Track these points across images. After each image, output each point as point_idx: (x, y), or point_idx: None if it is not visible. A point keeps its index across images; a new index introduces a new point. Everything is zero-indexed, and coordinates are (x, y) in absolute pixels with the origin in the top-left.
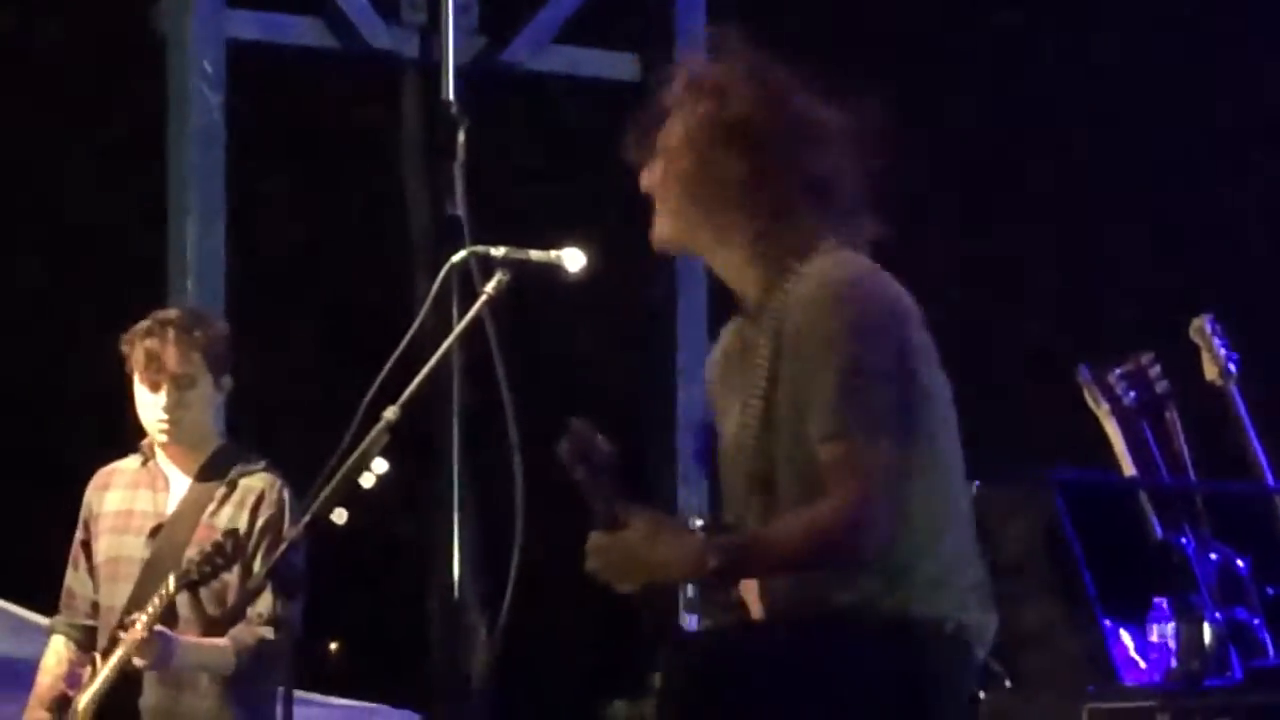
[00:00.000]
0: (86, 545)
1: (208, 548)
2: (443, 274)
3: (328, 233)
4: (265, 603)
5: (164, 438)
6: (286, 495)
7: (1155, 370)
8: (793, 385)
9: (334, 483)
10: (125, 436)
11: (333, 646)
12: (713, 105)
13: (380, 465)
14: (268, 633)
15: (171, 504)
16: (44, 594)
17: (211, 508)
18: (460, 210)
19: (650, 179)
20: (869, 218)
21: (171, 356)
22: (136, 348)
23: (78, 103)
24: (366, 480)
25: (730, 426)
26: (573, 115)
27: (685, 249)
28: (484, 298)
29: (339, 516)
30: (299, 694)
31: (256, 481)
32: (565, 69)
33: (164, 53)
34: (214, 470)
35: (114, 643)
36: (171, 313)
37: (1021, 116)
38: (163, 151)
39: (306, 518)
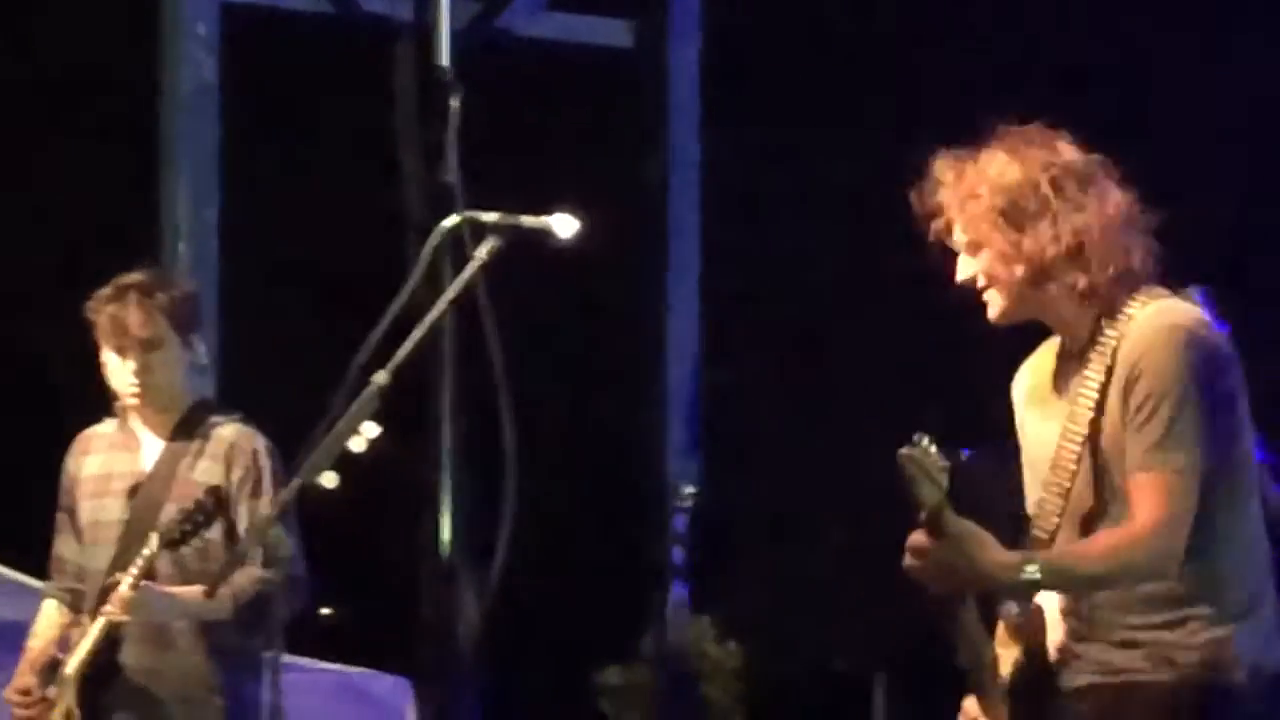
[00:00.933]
0: (70, 511)
1: (188, 505)
2: (434, 239)
3: (321, 198)
4: (268, 549)
5: (134, 401)
6: (261, 445)
7: None
8: (1121, 411)
9: (323, 447)
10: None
11: (324, 612)
12: (994, 196)
13: (371, 429)
14: (267, 578)
15: (148, 464)
16: (41, 559)
17: (187, 462)
18: (453, 176)
19: (969, 270)
20: (1148, 251)
21: (135, 321)
22: (101, 314)
23: (69, 67)
24: (357, 444)
25: (1045, 440)
26: (568, 81)
27: (1023, 318)
28: (475, 263)
29: (329, 481)
30: (288, 659)
31: (229, 433)
32: (558, 35)
33: (158, 15)
34: (188, 427)
35: (100, 605)
36: (133, 277)
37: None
38: (156, 115)
39: (296, 481)
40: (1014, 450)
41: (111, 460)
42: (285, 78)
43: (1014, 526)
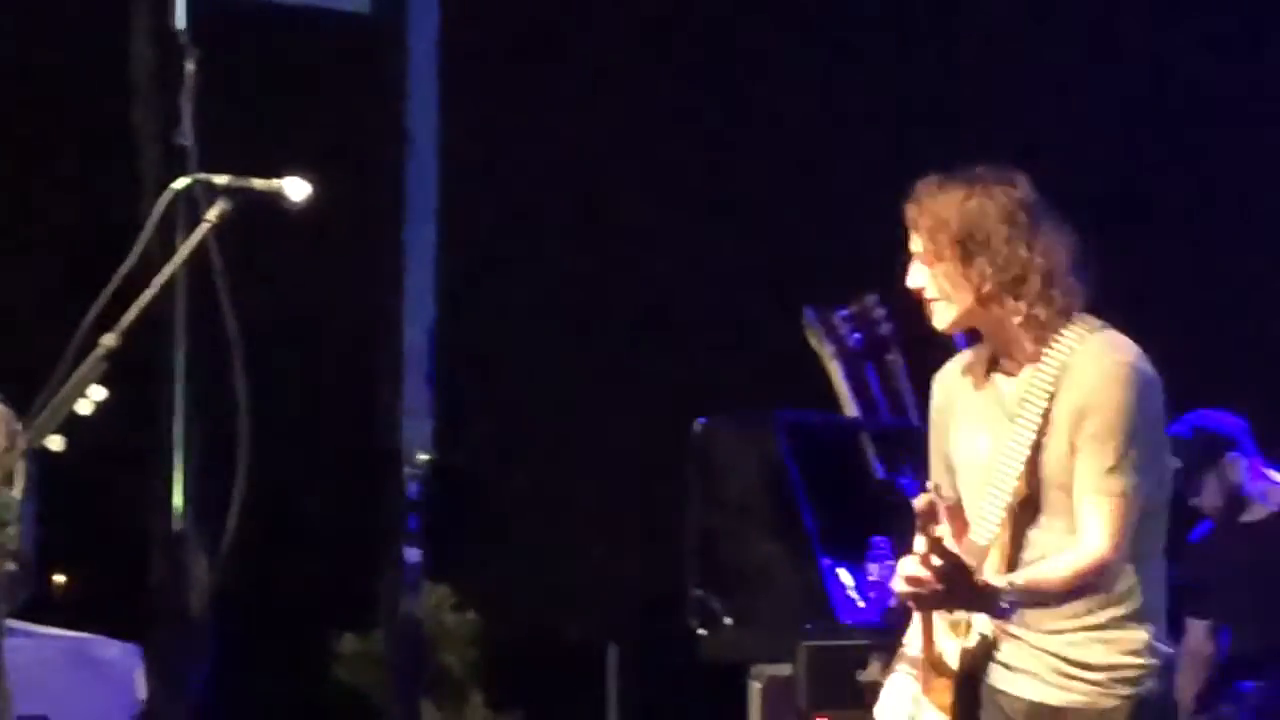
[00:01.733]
0: None
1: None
2: (164, 201)
3: (58, 160)
4: (12, 538)
5: None
6: (18, 428)
7: (879, 312)
8: (1069, 432)
9: (50, 409)
10: None
11: (57, 579)
12: (954, 225)
13: (99, 392)
14: (8, 567)
15: None
16: None
17: None
18: (188, 140)
19: (921, 280)
20: (1085, 283)
21: None
22: None
23: None
24: (84, 407)
25: (979, 449)
26: (303, 46)
27: (960, 329)
28: (206, 225)
29: (56, 444)
30: (12, 624)
31: None
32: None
33: None
34: None
35: None
36: None
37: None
38: None
39: (23, 445)
40: (752, 415)
41: None
42: (23, 41)
43: None
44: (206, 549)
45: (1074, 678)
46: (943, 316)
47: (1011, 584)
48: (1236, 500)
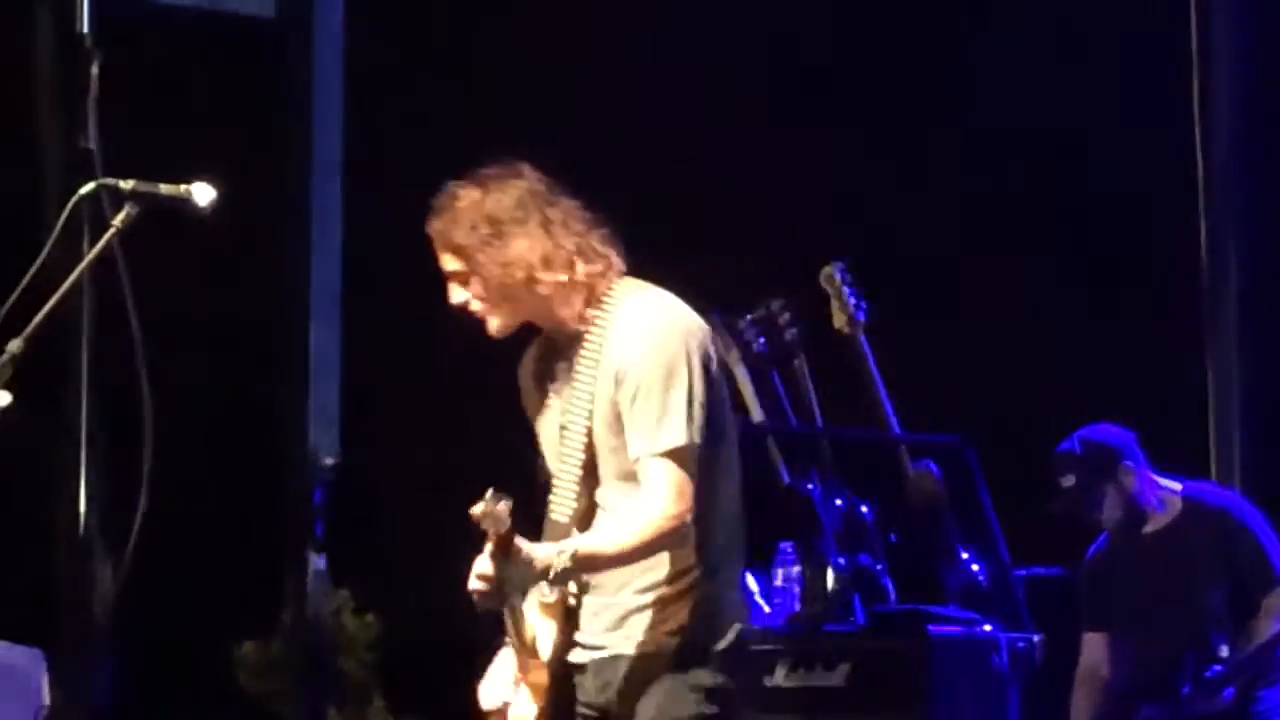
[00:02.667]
0: None
1: None
2: (70, 205)
3: None
4: None
5: None
6: None
7: (785, 317)
8: (612, 390)
9: None
10: None
11: None
12: (485, 230)
13: (2, 398)
14: None
15: None
16: None
17: None
18: (93, 144)
19: (461, 297)
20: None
21: None
22: None
23: None
24: None
25: (548, 425)
26: (208, 50)
27: (519, 324)
28: (112, 230)
29: None
30: None
31: None
32: (201, 3)
33: None
34: None
35: None
36: None
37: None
38: None
39: None
40: None
41: None
42: None
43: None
44: (111, 554)
45: (628, 627)
46: (494, 324)
47: (562, 552)
48: (1137, 511)
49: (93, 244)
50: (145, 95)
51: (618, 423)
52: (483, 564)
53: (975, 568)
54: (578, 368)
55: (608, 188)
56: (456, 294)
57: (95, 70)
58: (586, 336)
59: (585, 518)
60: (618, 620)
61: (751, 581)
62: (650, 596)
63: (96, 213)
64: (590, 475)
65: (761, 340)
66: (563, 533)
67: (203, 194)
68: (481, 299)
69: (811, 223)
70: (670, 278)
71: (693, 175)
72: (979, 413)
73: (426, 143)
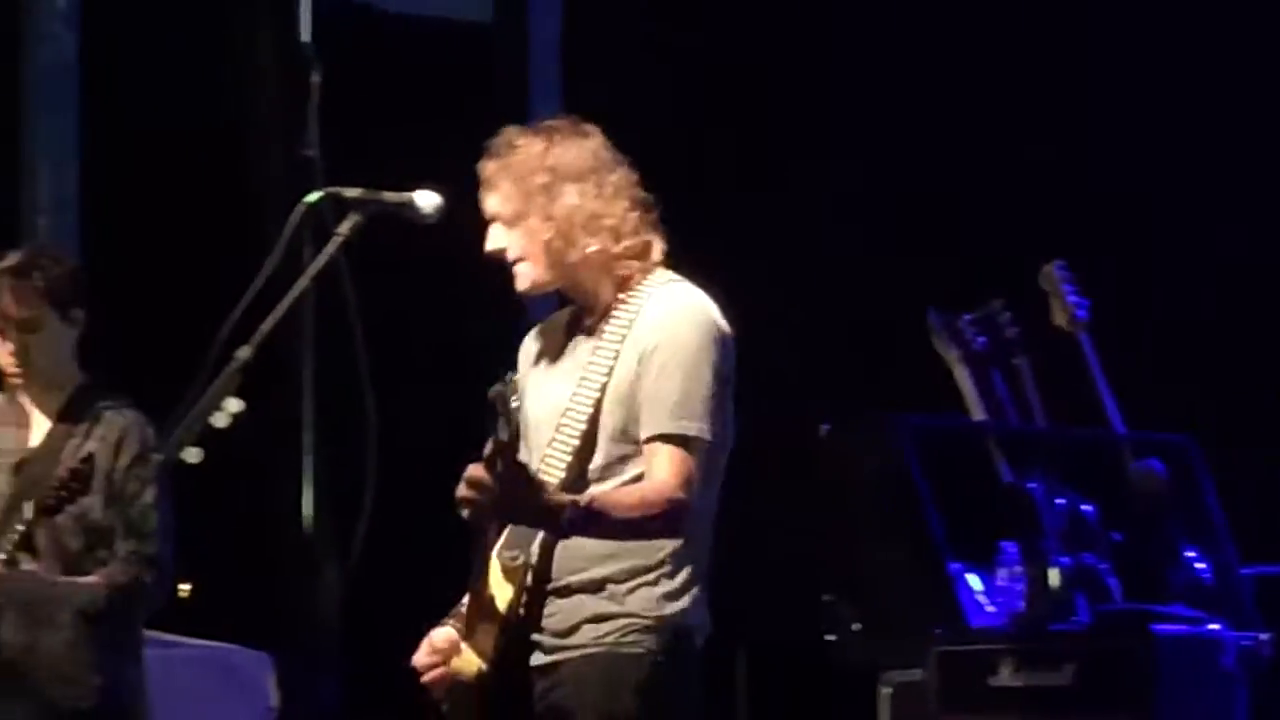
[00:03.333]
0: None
1: (63, 474)
2: (296, 215)
3: (179, 174)
4: (145, 542)
5: (18, 381)
6: (150, 435)
7: (1005, 316)
8: (635, 368)
9: (187, 422)
10: None
11: (184, 587)
12: (540, 178)
13: (234, 405)
14: (141, 572)
15: (35, 440)
16: None
17: (75, 443)
18: (314, 152)
19: (501, 242)
20: (661, 237)
21: (9, 303)
22: None
23: None
24: (220, 420)
25: (552, 400)
26: (426, 56)
27: (547, 289)
28: (337, 239)
29: (193, 456)
30: (150, 635)
31: (120, 418)
32: (420, 10)
33: None
34: (77, 408)
35: None
36: (10, 258)
37: (864, 57)
38: (15, 91)
39: (160, 458)
40: (877, 420)
41: (0, 436)
42: (143, 52)
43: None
44: (337, 558)
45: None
46: (526, 276)
47: (576, 503)
48: None
49: (314, 252)
50: (365, 102)
51: (632, 400)
52: (477, 470)
53: (1200, 566)
54: (599, 342)
55: (826, 185)
56: (494, 239)
57: (316, 78)
58: (614, 314)
59: (570, 490)
60: (580, 621)
61: (975, 581)
62: (613, 594)
63: (318, 220)
64: (586, 450)
65: (982, 339)
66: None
67: (426, 201)
68: (519, 249)
69: (1032, 221)
70: (891, 276)
71: (915, 174)
72: (1204, 411)
73: (643, 146)
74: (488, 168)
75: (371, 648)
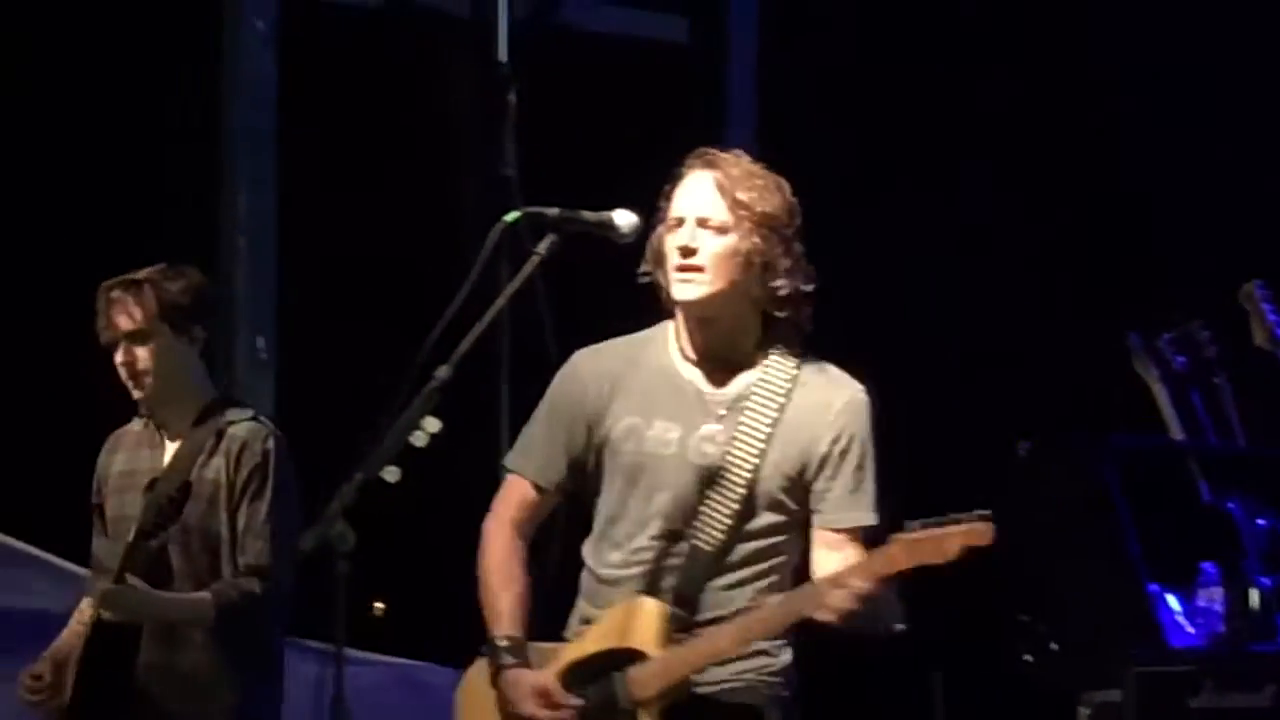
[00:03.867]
0: (99, 508)
1: (161, 499)
2: (494, 234)
3: (379, 192)
4: (256, 553)
5: (136, 394)
6: (272, 445)
7: (1204, 336)
8: (815, 462)
9: (386, 441)
10: None
11: (378, 606)
12: (771, 212)
13: (432, 424)
14: (250, 584)
15: (166, 460)
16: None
17: (201, 459)
18: (511, 170)
19: (697, 241)
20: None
21: (122, 316)
22: (99, 304)
23: (127, 62)
24: (418, 439)
25: (668, 441)
26: (624, 76)
27: (705, 310)
28: (535, 258)
29: (391, 475)
30: (351, 652)
31: (241, 431)
32: (616, 29)
33: (218, 11)
34: (204, 423)
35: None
36: (137, 272)
37: (1062, 81)
38: (215, 111)
39: (359, 476)
40: (1077, 439)
41: (136, 457)
42: (343, 72)
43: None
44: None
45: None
46: (699, 292)
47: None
48: None
49: (511, 270)
50: (562, 122)
51: (800, 477)
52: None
53: None
54: (749, 406)
55: (1025, 205)
56: (700, 240)
57: (513, 98)
58: (769, 371)
59: (722, 549)
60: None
61: (1174, 601)
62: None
63: (513, 238)
64: (747, 512)
65: (1181, 359)
66: (706, 559)
67: (624, 220)
68: (714, 262)
69: (1233, 239)
70: (1091, 297)
71: (1115, 193)
72: None
73: (838, 168)
74: (724, 172)
75: None
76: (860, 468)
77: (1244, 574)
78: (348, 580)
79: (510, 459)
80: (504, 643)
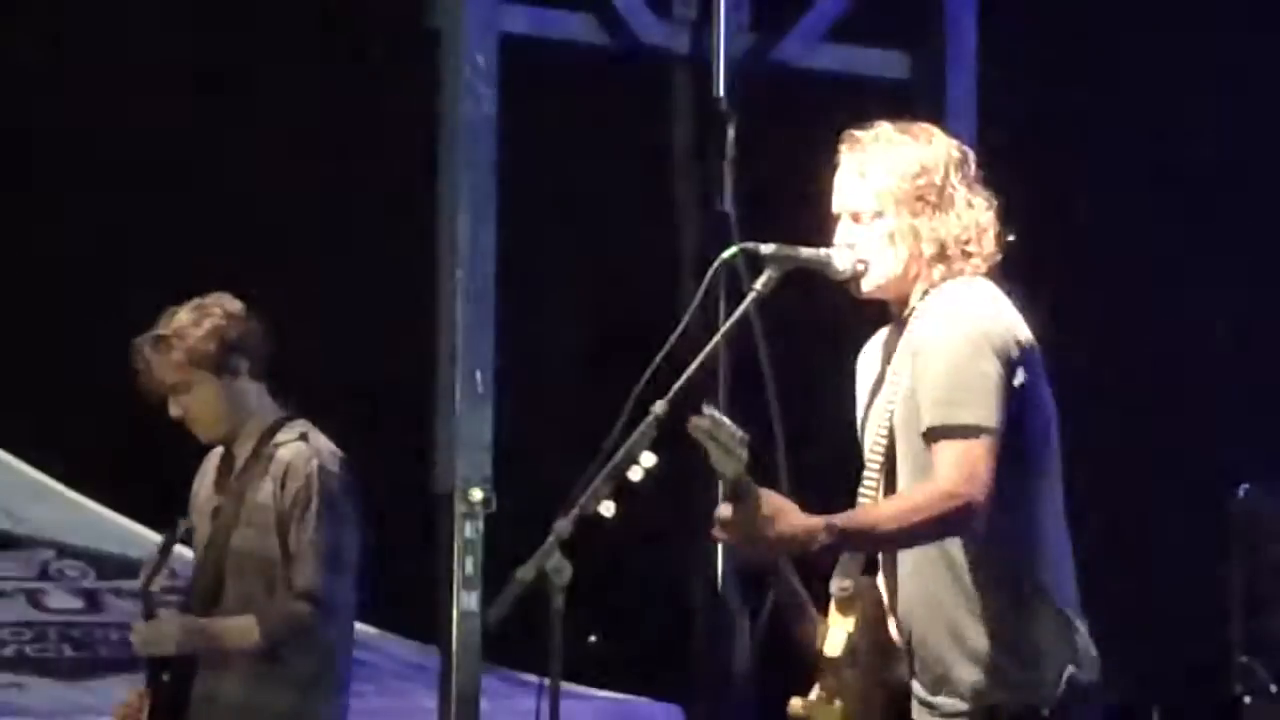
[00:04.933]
0: (192, 530)
1: (179, 531)
2: (712, 270)
3: (598, 228)
4: (302, 576)
5: (201, 438)
6: (315, 466)
7: None
8: (911, 380)
9: (602, 476)
10: None
11: (591, 638)
12: (913, 179)
13: (648, 459)
14: (298, 608)
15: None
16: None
17: (254, 485)
18: (729, 207)
19: (851, 237)
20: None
21: (159, 372)
22: (136, 363)
23: (349, 103)
24: (634, 474)
25: (862, 408)
26: (844, 113)
27: (882, 294)
28: (752, 294)
29: (607, 509)
30: (565, 686)
31: (287, 453)
32: (836, 66)
33: (437, 47)
34: (261, 448)
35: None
36: (160, 325)
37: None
38: (434, 146)
39: (576, 510)
40: None
41: (213, 483)
42: (561, 109)
43: None
44: (748, 610)
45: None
46: (869, 283)
47: (832, 525)
48: None
49: (728, 306)
50: (778, 158)
51: (916, 412)
52: (722, 508)
53: None
54: (895, 354)
55: (1231, 237)
56: (856, 235)
57: (731, 134)
58: (908, 331)
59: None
60: (940, 677)
61: None
62: (975, 638)
63: (731, 276)
64: (892, 468)
65: None
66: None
67: (842, 258)
68: (874, 253)
69: None
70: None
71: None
72: None
73: (1060, 201)
74: (851, 161)
75: (781, 702)
76: (932, 369)
77: None
78: (563, 614)
79: None
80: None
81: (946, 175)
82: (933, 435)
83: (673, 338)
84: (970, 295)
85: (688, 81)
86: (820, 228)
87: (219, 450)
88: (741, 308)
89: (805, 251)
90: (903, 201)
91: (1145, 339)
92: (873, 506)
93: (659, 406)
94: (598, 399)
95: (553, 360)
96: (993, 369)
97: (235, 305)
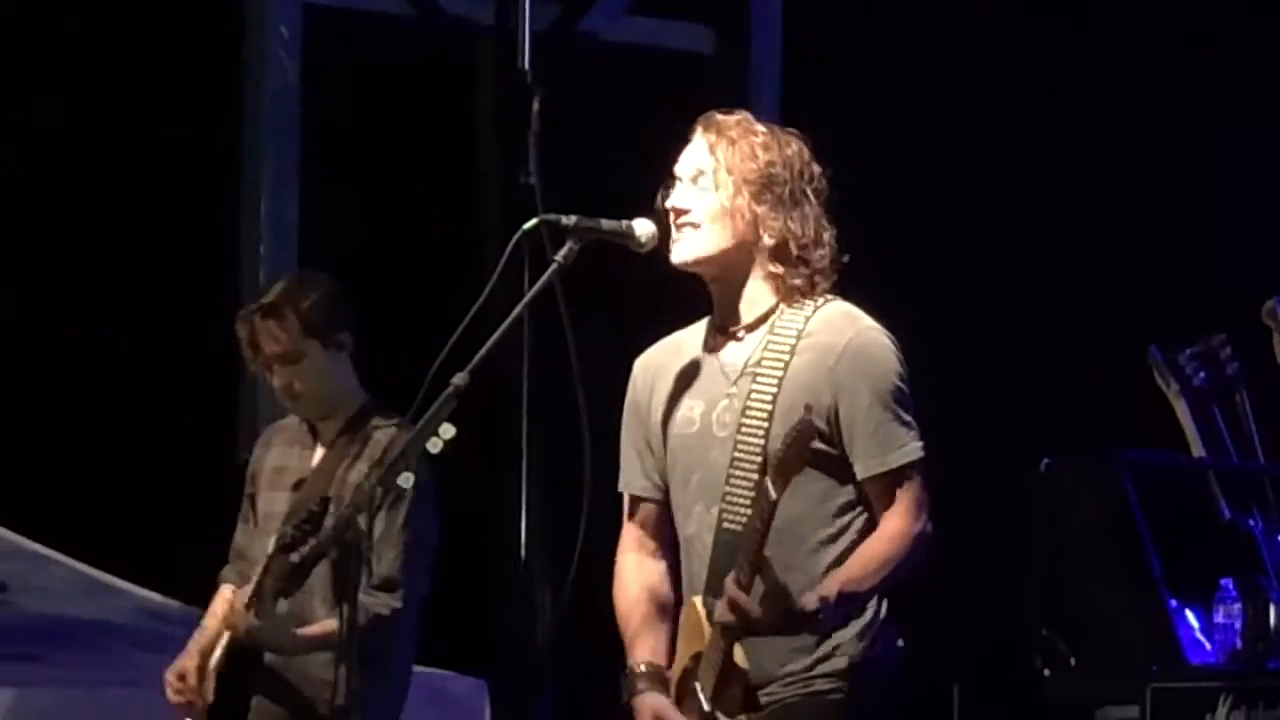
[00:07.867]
0: (251, 499)
1: (303, 512)
2: (513, 242)
3: (399, 200)
4: (386, 563)
5: (296, 412)
6: None
7: (1226, 352)
8: (830, 403)
9: (403, 448)
10: None
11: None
12: (763, 168)
13: (448, 431)
14: (378, 603)
15: (315, 462)
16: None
17: (346, 464)
18: (533, 179)
19: (687, 202)
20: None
21: (267, 340)
22: (241, 333)
23: (146, 70)
24: (434, 446)
25: (696, 416)
26: (648, 86)
27: (703, 268)
28: (554, 266)
29: (405, 481)
30: None
31: (384, 437)
32: (640, 39)
33: (241, 17)
34: (354, 428)
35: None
36: (266, 295)
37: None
38: (238, 117)
39: (373, 483)
40: (1097, 456)
41: (288, 454)
42: (365, 80)
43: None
44: (551, 584)
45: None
46: (692, 246)
47: (826, 599)
48: None
49: (532, 279)
50: (583, 130)
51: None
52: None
53: None
54: (759, 370)
55: (1050, 213)
56: (691, 198)
57: (535, 106)
58: (776, 329)
59: (763, 521)
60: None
61: (1193, 618)
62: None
63: (535, 247)
64: (767, 475)
65: (1202, 374)
66: (749, 543)
67: (644, 229)
68: (706, 218)
69: (1255, 256)
70: (1111, 310)
71: (1139, 206)
72: None
73: (861, 177)
74: (708, 136)
75: (585, 674)
76: (875, 406)
77: (1263, 591)
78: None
79: (620, 479)
80: (640, 669)
81: (798, 178)
82: (891, 478)
83: (473, 309)
84: (871, 324)
85: (492, 53)
86: (626, 199)
87: (288, 423)
88: (543, 279)
89: (607, 223)
90: (749, 182)
91: (940, 315)
92: (856, 567)
93: (460, 378)
94: (401, 371)
95: (356, 332)
96: (910, 397)
97: (335, 281)
